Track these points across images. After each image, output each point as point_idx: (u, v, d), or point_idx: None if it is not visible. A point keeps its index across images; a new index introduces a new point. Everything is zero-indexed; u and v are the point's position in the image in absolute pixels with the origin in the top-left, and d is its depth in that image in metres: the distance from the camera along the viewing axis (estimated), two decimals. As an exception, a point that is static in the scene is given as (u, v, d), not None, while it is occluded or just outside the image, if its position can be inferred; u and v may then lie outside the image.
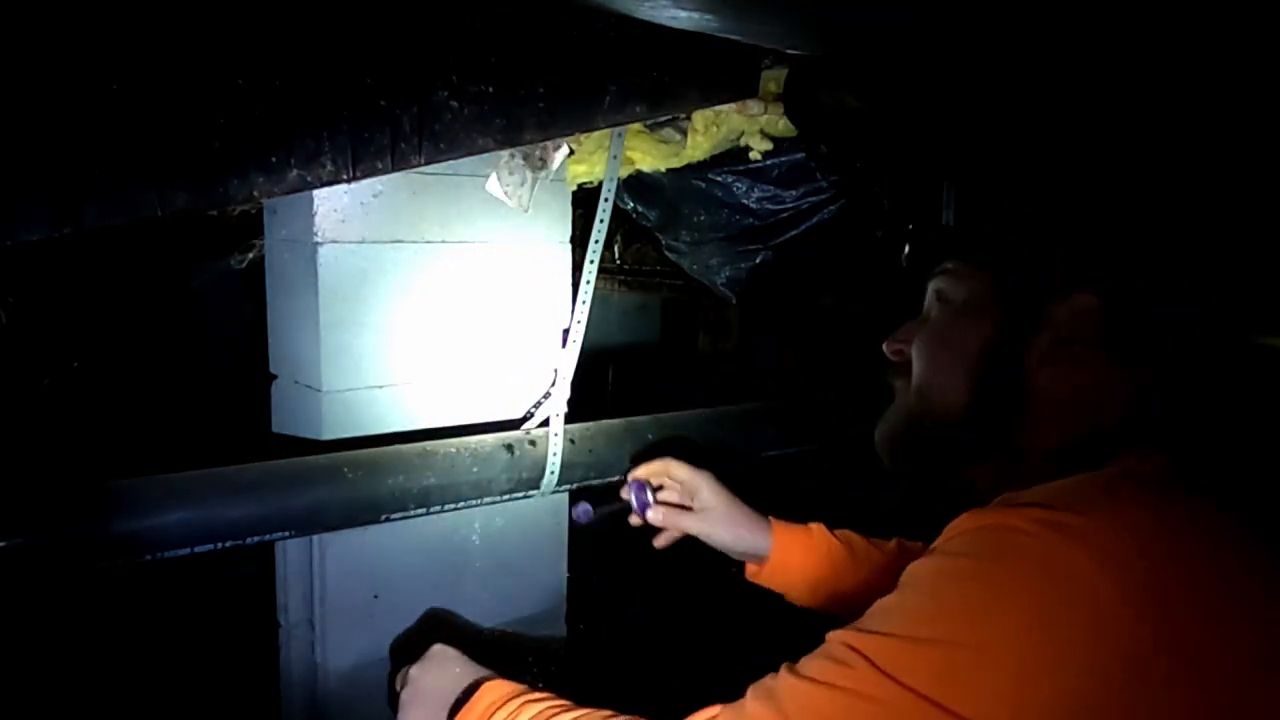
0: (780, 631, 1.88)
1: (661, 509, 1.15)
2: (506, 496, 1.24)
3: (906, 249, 0.86)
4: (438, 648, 0.95)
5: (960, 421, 0.74)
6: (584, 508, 1.23)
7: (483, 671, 0.91)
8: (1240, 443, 0.68)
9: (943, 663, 0.55)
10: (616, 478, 1.34)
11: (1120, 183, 0.76)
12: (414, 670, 0.93)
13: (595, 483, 1.33)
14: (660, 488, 1.19)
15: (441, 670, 0.92)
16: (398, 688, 0.95)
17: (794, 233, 1.48)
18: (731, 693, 0.74)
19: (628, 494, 1.17)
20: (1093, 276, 0.70)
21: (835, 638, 0.62)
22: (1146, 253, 0.71)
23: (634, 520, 1.18)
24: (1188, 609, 0.54)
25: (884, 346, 0.83)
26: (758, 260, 1.56)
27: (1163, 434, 0.68)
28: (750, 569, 1.18)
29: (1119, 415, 0.69)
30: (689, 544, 1.18)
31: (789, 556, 1.14)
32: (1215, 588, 0.55)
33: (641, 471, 1.18)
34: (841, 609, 1.13)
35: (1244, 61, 0.75)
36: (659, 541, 1.20)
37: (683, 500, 1.18)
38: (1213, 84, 0.79)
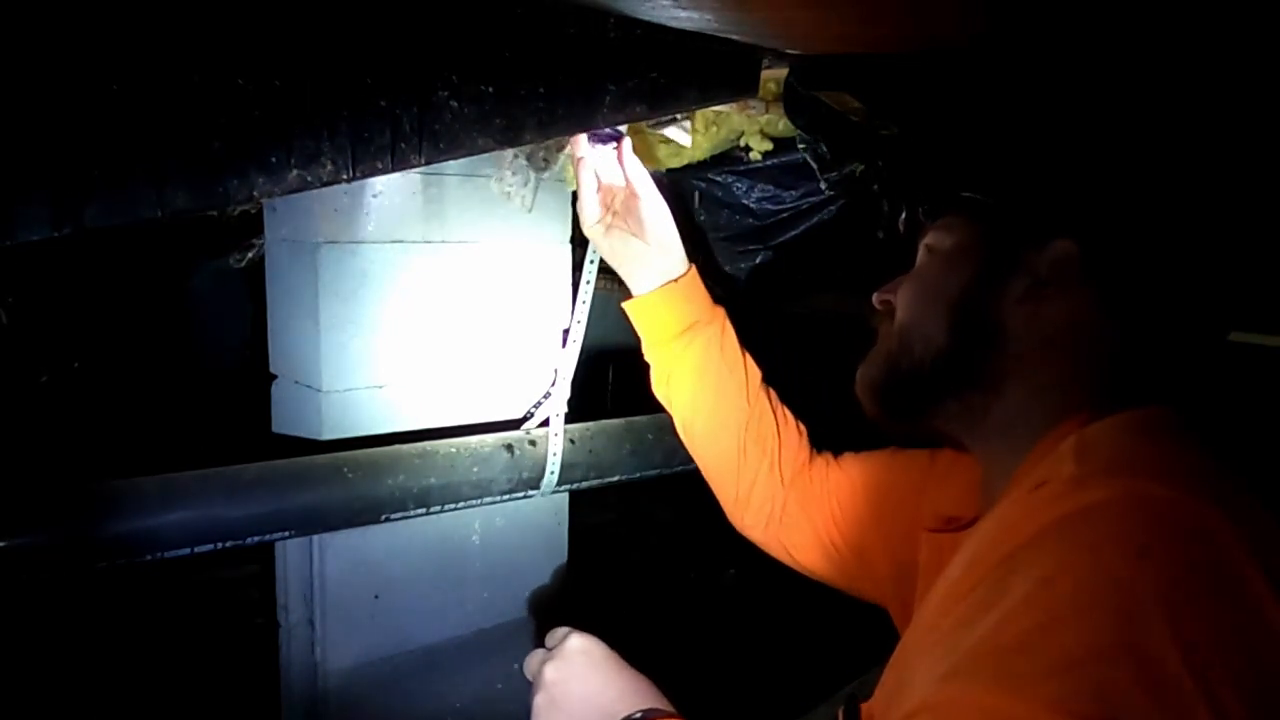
0: (781, 632, 1.88)
1: (630, 159, 1.08)
2: (506, 496, 1.24)
3: (903, 214, 0.86)
4: (576, 641, 0.77)
5: (937, 361, 0.76)
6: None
7: (645, 686, 0.74)
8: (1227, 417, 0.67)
9: (1138, 669, 0.45)
10: (617, 478, 1.34)
11: (1108, 143, 0.76)
12: (551, 672, 0.75)
13: (595, 483, 1.33)
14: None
15: (591, 675, 0.74)
16: (529, 676, 0.77)
17: (794, 233, 1.48)
18: (730, 693, 0.74)
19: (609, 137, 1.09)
20: (1072, 224, 0.71)
21: (957, 700, 0.48)
22: (1129, 201, 0.72)
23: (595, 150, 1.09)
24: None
25: (873, 297, 0.84)
26: (758, 260, 1.56)
27: (1150, 384, 0.68)
28: (641, 294, 1.14)
29: (1099, 359, 0.70)
30: (687, 545, 1.19)
31: (672, 304, 1.12)
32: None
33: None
34: (667, 366, 1.14)
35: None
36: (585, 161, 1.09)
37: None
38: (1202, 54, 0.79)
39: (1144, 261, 0.70)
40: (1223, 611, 0.47)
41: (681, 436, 1.19)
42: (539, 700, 0.75)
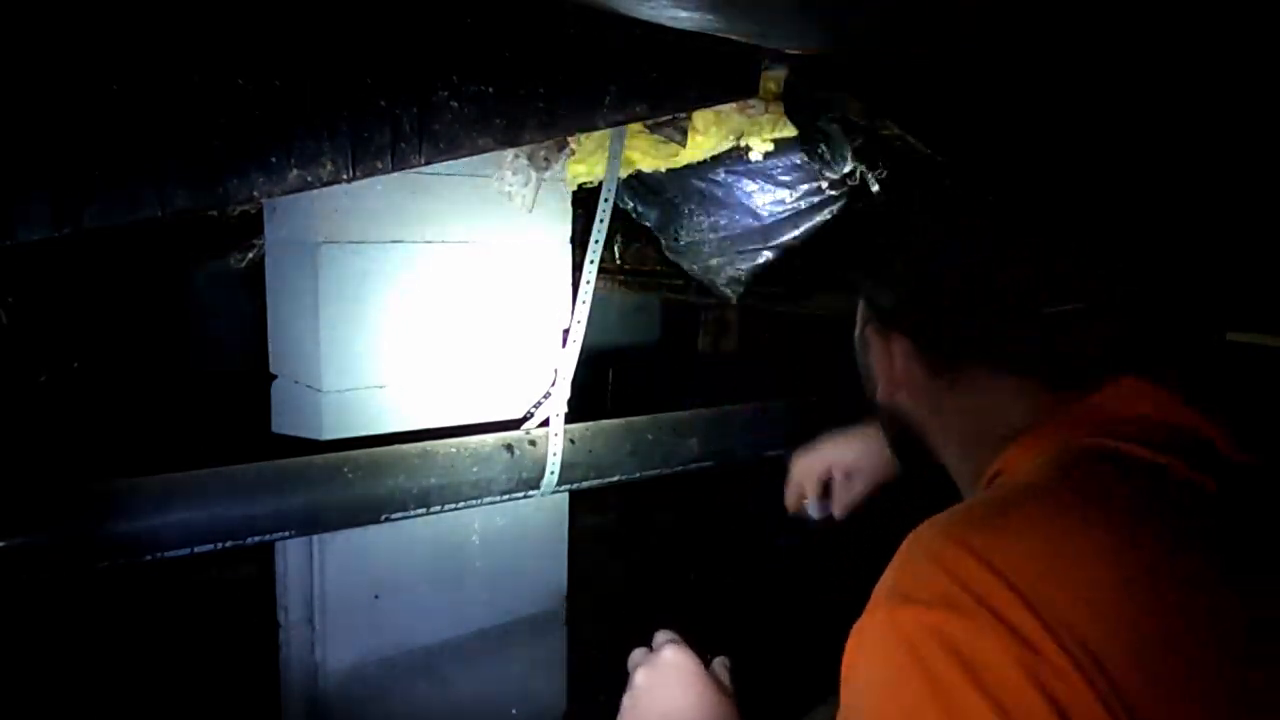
0: (781, 631, 1.88)
1: (840, 505, 1.13)
2: (506, 496, 1.24)
3: None
4: (670, 654, 0.77)
5: (894, 440, 0.77)
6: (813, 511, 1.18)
7: (724, 712, 0.75)
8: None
9: None
10: (617, 478, 1.34)
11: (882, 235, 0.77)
12: (641, 677, 0.76)
13: (595, 483, 1.33)
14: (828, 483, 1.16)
15: (672, 689, 0.75)
16: (629, 670, 0.78)
17: (795, 233, 1.48)
18: (731, 693, 0.74)
19: (812, 511, 1.16)
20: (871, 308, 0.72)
21: None
22: (935, 279, 0.69)
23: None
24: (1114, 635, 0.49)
25: None
26: (758, 260, 1.56)
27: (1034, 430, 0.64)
28: None
29: (976, 426, 0.68)
30: (687, 546, 1.19)
31: None
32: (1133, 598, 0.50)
33: (809, 490, 1.15)
34: None
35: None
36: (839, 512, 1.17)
37: (851, 481, 1.14)
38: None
39: (933, 334, 0.68)
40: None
41: None
42: (626, 699, 0.77)
